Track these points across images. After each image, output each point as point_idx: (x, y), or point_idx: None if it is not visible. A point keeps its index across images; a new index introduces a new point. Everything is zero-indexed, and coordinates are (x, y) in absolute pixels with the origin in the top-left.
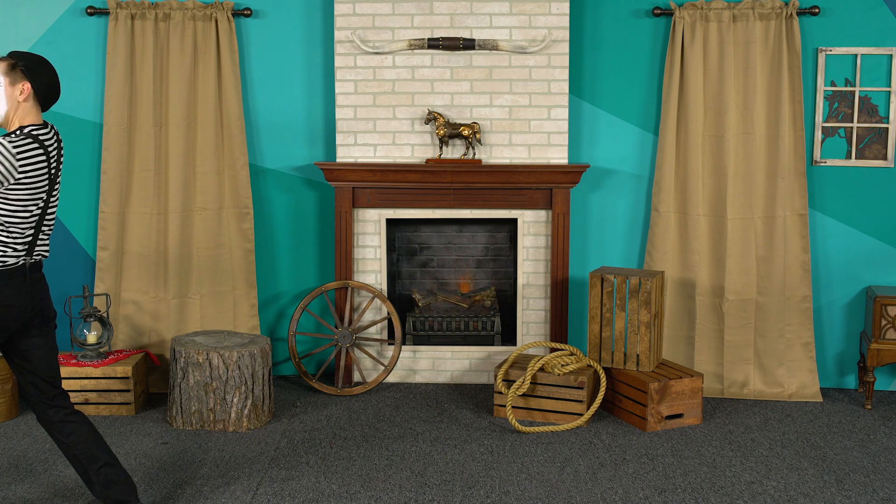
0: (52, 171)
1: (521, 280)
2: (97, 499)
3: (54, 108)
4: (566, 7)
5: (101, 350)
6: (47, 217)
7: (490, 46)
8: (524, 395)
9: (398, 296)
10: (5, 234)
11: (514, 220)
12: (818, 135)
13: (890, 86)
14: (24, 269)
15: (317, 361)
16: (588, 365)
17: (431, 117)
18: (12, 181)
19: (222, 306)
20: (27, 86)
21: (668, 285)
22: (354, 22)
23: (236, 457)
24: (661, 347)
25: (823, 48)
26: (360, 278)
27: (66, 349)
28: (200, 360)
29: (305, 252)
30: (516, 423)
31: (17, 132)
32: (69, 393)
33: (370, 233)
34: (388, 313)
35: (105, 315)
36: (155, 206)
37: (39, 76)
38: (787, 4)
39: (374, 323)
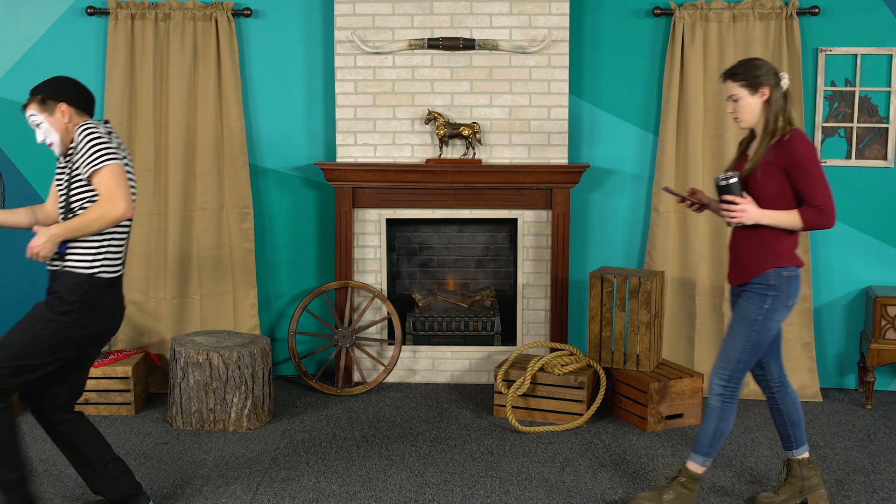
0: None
1: (521, 280)
2: (105, 496)
3: None
4: (566, 7)
5: (101, 350)
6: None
7: (490, 46)
8: (524, 395)
9: (398, 296)
10: (117, 243)
11: (514, 220)
12: (818, 135)
13: (890, 86)
14: (121, 280)
15: (317, 361)
16: (588, 365)
17: (431, 117)
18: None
19: (222, 306)
20: (63, 106)
21: (668, 285)
22: (354, 22)
23: (236, 457)
24: (661, 347)
25: (823, 48)
26: (360, 278)
27: None
28: (200, 360)
29: (305, 252)
30: (516, 423)
31: (88, 128)
32: None
33: (370, 233)
34: (388, 313)
35: None
36: (155, 206)
37: (66, 91)
38: (787, 4)
39: (374, 323)
